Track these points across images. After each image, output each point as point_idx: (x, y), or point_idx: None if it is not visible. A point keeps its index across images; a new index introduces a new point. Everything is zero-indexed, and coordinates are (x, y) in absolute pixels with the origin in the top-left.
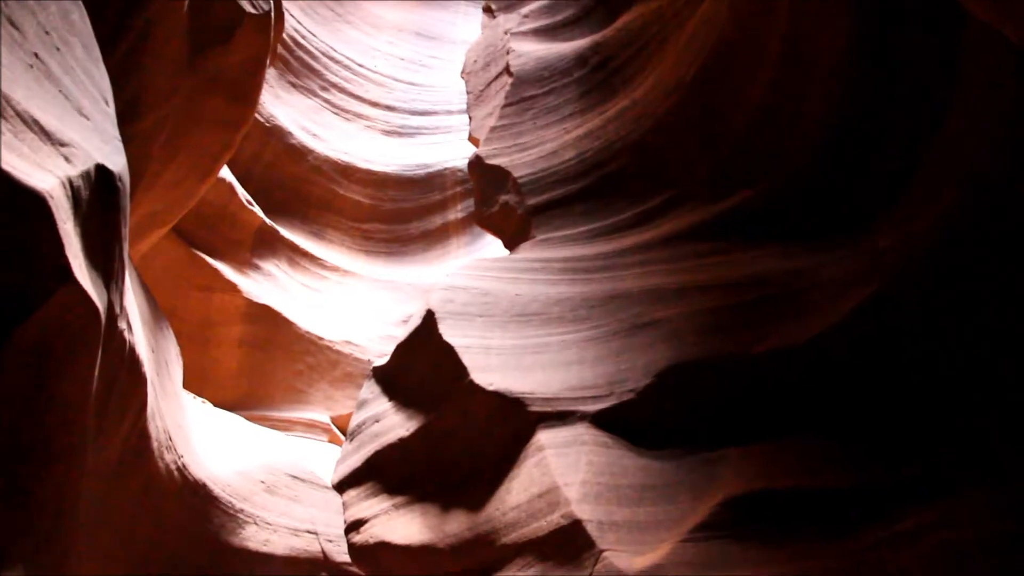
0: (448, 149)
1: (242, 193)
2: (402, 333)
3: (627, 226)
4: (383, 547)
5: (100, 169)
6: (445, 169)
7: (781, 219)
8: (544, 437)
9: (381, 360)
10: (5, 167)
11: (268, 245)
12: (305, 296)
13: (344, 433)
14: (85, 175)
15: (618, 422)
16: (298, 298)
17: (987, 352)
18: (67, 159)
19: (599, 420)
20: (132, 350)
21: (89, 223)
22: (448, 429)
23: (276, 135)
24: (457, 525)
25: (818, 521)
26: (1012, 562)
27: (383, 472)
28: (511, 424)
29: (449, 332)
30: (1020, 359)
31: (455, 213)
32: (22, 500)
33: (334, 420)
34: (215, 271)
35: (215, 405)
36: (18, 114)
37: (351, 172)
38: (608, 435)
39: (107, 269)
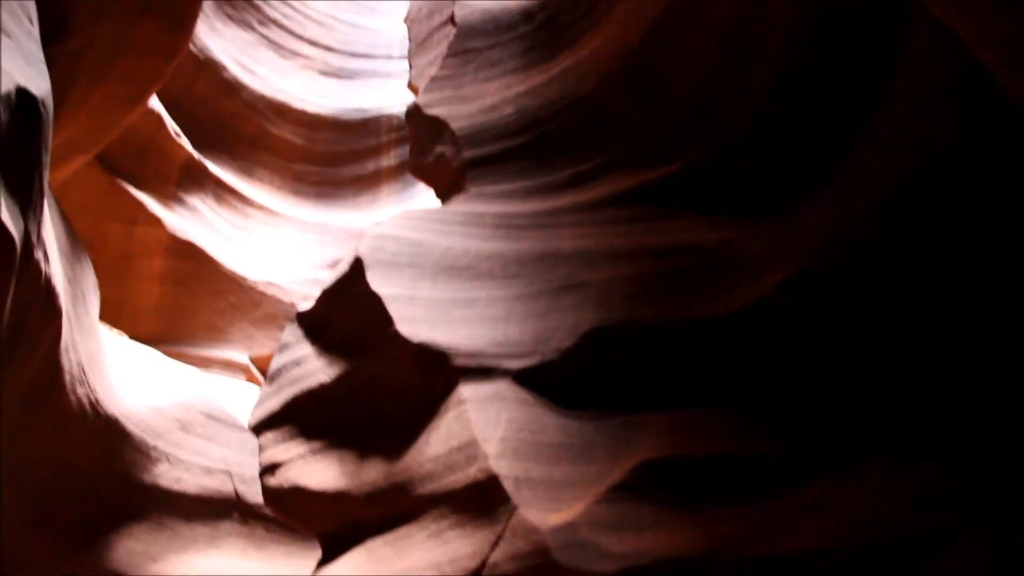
0: (386, 95)
1: (171, 124)
2: (328, 278)
3: (563, 186)
4: (297, 491)
5: (21, 92)
6: (381, 115)
7: (716, 189)
8: (466, 391)
9: (306, 304)
10: None
11: (195, 180)
12: (230, 234)
13: (263, 374)
14: (5, 98)
15: (541, 381)
16: (223, 235)
17: (910, 331)
18: None
19: (522, 378)
20: (48, 281)
21: (7, 148)
22: (370, 378)
23: (209, 68)
24: (374, 473)
25: (732, 488)
26: (918, 527)
27: (301, 417)
28: (433, 376)
29: (377, 281)
30: (943, 338)
31: (388, 160)
32: None
33: (253, 360)
34: (138, 203)
35: (132, 339)
36: None
37: (285, 111)
38: (530, 393)
39: (25, 197)
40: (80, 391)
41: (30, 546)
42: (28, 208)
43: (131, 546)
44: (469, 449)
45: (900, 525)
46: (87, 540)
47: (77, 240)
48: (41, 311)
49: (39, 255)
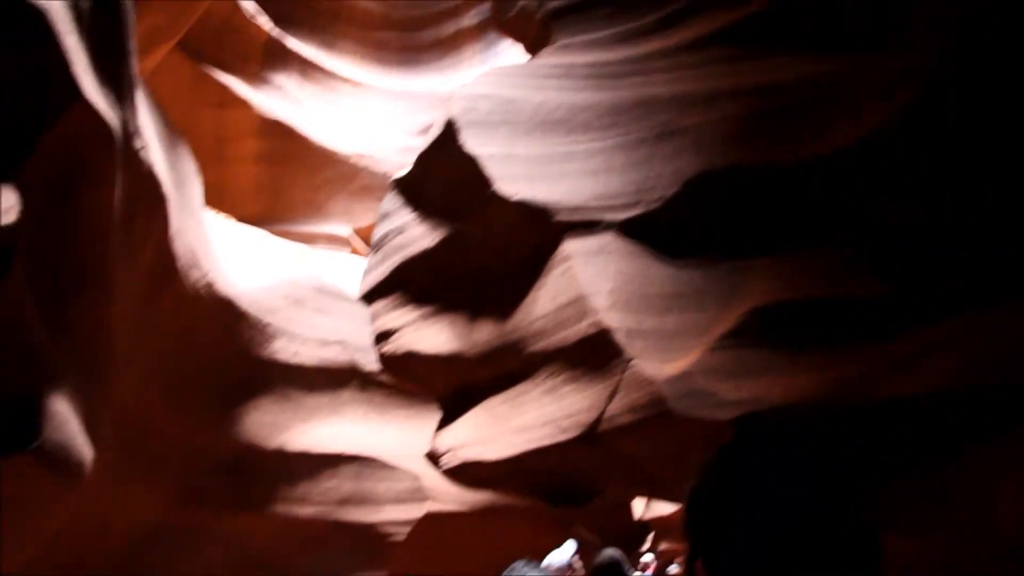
0: None
1: (246, 5)
2: (422, 143)
3: (651, 30)
4: (412, 356)
5: None
6: None
7: (813, 25)
8: (571, 246)
9: (402, 171)
10: None
11: (278, 57)
12: (318, 109)
13: (367, 244)
14: None
15: (646, 230)
16: (311, 111)
17: (1019, 172)
18: None
19: (627, 228)
20: (150, 170)
21: (93, 36)
22: (473, 240)
23: None
24: (485, 334)
25: (845, 330)
26: None
27: (409, 283)
28: (537, 234)
29: (471, 142)
30: None
31: (468, 20)
32: (62, 326)
33: (355, 232)
34: (225, 87)
35: (236, 221)
36: None
37: None
38: (636, 243)
39: (117, 86)
40: (194, 275)
41: (165, 424)
42: (122, 97)
43: (259, 418)
44: (578, 304)
45: (1017, 367)
46: (217, 416)
47: (173, 128)
48: (147, 200)
49: (139, 144)
